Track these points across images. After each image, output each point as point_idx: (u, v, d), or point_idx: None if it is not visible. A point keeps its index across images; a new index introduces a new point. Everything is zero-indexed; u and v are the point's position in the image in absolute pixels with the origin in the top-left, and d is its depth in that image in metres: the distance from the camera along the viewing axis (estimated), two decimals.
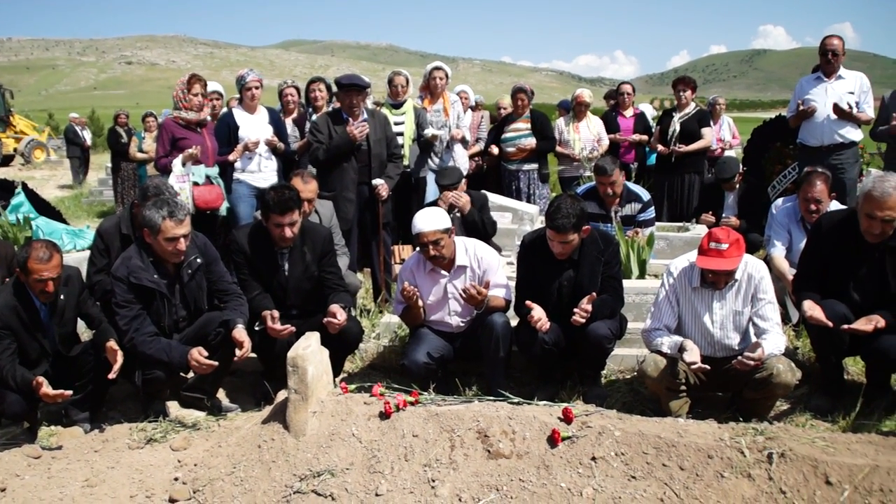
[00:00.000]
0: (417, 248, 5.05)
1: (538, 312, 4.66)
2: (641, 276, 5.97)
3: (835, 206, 5.95)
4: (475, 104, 10.67)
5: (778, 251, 5.98)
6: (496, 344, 4.80)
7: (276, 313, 4.83)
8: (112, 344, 4.56)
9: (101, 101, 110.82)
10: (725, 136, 11.21)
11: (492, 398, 4.00)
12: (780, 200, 6.92)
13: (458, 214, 6.34)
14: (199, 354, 4.49)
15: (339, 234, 6.20)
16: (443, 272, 5.01)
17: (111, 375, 4.53)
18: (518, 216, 7.85)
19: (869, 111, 7.44)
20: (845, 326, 4.37)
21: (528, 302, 4.73)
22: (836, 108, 7.24)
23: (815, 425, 4.45)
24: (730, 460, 3.30)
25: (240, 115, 7.18)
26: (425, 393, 4.07)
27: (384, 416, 3.83)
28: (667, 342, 4.43)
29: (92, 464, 4.26)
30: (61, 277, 4.59)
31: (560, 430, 3.55)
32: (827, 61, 7.44)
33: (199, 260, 4.89)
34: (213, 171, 7.00)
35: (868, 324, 4.37)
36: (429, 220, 4.87)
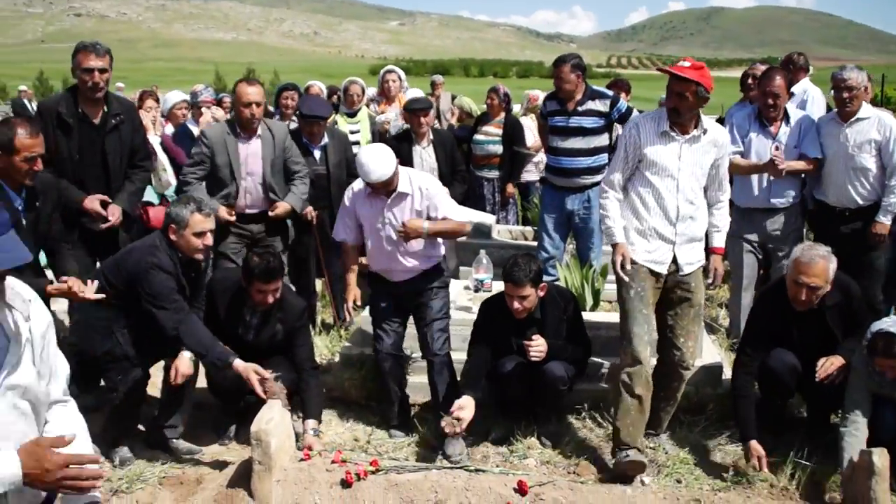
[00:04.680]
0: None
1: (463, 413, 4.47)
2: (595, 305, 6.08)
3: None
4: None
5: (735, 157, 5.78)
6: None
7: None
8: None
9: (49, 54, 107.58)
10: None
11: (448, 466, 4.15)
12: (735, 107, 6.75)
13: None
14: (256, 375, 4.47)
15: (298, 156, 6.25)
16: (382, 197, 4.97)
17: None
18: (474, 227, 7.84)
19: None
20: (820, 376, 4.49)
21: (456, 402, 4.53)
22: None
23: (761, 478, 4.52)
24: None
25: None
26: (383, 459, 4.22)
27: (346, 484, 3.97)
28: (616, 225, 4.59)
29: None
30: None
31: None
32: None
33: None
34: (170, 190, 7.04)
35: (831, 366, 4.50)
36: (378, 163, 4.75)
